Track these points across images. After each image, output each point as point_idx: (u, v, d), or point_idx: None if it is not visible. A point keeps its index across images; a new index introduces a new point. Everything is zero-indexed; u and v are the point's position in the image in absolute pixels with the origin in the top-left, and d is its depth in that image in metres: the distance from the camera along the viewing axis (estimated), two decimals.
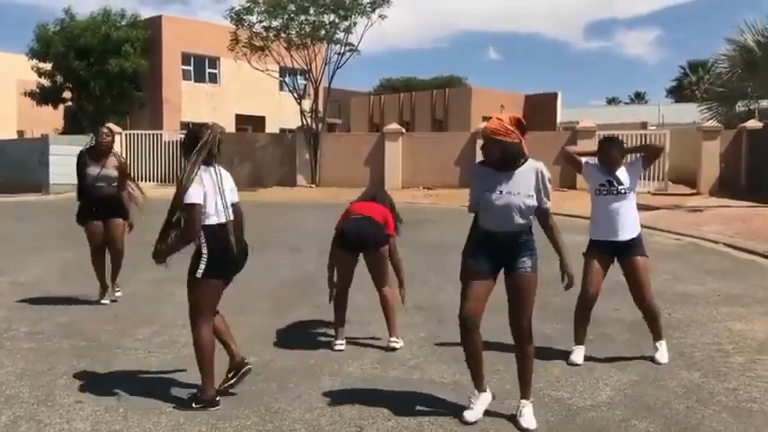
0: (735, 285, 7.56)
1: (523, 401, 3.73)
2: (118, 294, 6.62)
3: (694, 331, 5.58)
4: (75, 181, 6.58)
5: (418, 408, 3.89)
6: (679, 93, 57.24)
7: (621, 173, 4.79)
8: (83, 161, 6.48)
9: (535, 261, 3.72)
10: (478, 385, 3.77)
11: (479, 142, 19.89)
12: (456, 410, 3.77)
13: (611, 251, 4.76)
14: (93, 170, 6.42)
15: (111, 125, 6.36)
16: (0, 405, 3.90)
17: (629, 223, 4.74)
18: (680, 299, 6.73)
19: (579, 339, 4.84)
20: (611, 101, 65.58)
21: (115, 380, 4.32)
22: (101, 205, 6.45)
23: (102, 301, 6.47)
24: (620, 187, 4.74)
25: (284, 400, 3.99)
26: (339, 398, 4.04)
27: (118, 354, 4.91)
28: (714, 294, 7.06)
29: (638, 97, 65.95)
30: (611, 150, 4.79)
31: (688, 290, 7.21)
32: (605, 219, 4.74)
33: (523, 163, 3.66)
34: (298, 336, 5.41)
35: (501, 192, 3.62)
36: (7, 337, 5.26)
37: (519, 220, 3.64)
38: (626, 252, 4.73)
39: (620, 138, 4.99)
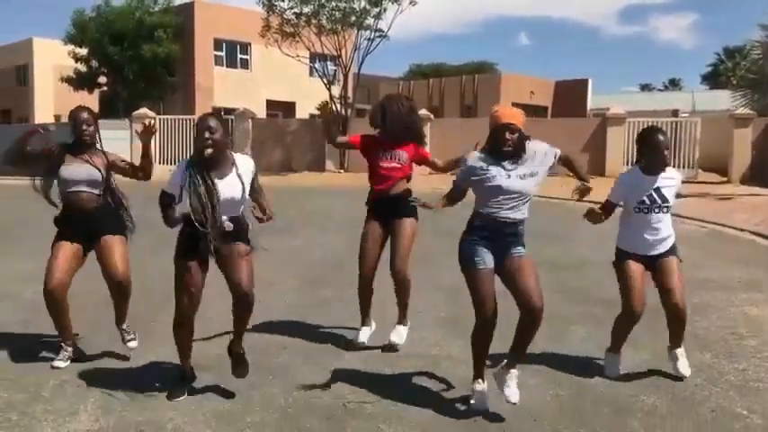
0: (756, 272, 7.61)
1: (512, 371, 3.69)
2: (132, 344, 4.58)
3: (710, 315, 5.69)
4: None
5: (437, 380, 4.12)
6: (714, 79, 56.19)
7: (666, 183, 4.15)
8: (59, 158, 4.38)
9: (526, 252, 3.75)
10: (482, 374, 3.77)
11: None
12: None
13: (643, 257, 4.21)
14: (69, 170, 4.34)
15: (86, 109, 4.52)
16: (47, 370, 4.20)
17: (665, 236, 4.20)
18: (700, 284, 6.80)
19: (615, 348, 4.35)
20: (645, 87, 64.66)
21: (153, 348, 4.60)
22: (81, 220, 4.36)
23: (56, 364, 4.27)
24: (663, 205, 4.14)
25: (309, 372, 4.24)
26: (361, 370, 4.29)
27: (153, 326, 5.18)
28: (734, 281, 7.12)
29: (673, 84, 64.89)
30: (656, 137, 4.09)
31: (709, 276, 7.28)
32: (639, 235, 4.18)
33: (523, 152, 3.71)
34: (323, 313, 5.65)
35: (512, 175, 3.66)
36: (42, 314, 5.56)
37: (523, 211, 3.72)
38: (658, 256, 4.20)
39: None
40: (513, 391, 3.63)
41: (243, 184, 3.78)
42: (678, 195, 4.27)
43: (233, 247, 3.79)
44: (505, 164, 3.68)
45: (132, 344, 4.59)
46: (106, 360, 4.39)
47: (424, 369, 4.32)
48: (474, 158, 3.75)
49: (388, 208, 4.74)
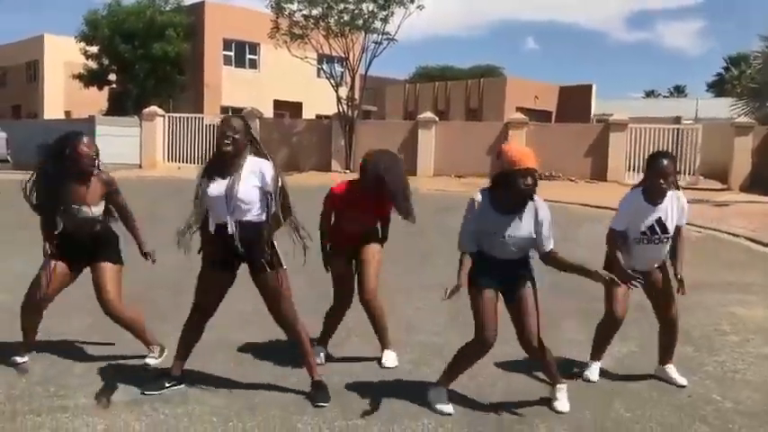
0: (748, 275, 7.92)
1: (559, 386, 3.86)
2: (151, 361, 4.41)
3: (698, 314, 5.99)
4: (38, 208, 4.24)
5: (436, 363, 4.45)
6: (720, 87, 56.39)
7: (669, 211, 4.10)
8: (56, 185, 4.17)
9: (533, 279, 3.80)
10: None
11: (512, 133, 20.25)
12: (469, 370, 4.30)
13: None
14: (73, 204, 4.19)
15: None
16: (78, 353, 4.54)
17: (663, 257, 4.28)
18: (692, 286, 6.87)
19: (597, 355, 4.44)
20: (650, 94, 64.90)
21: (174, 331, 4.92)
22: (77, 242, 4.26)
23: (20, 360, 4.24)
24: (663, 236, 4.12)
25: (325, 357, 4.58)
26: (370, 353, 4.64)
27: (171, 312, 5.51)
28: (725, 283, 7.43)
29: (678, 91, 65.16)
30: (662, 163, 4.00)
31: (702, 278, 7.56)
32: (637, 259, 4.18)
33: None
34: (329, 305, 5.96)
35: (507, 235, 3.63)
36: (71, 297, 5.89)
37: (522, 252, 3.75)
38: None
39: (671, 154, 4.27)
40: (560, 403, 3.81)
41: (239, 185, 3.69)
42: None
43: (265, 277, 3.84)
44: (501, 219, 3.63)
45: (152, 361, 4.40)
46: (130, 348, 4.61)
47: (426, 354, 4.66)
48: (478, 204, 3.67)
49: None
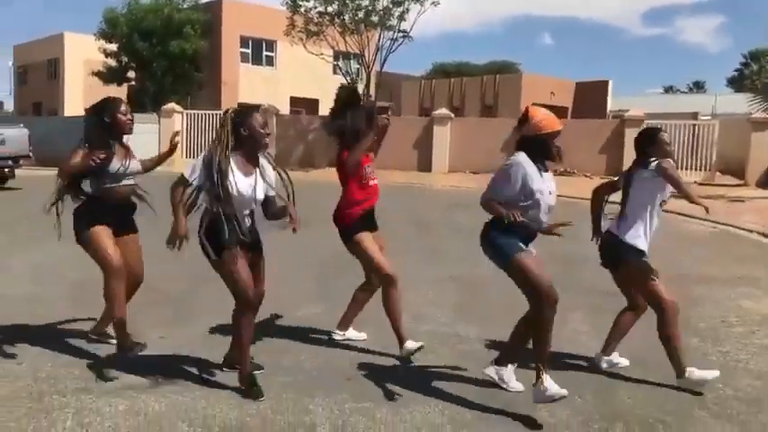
0: (758, 270, 7.96)
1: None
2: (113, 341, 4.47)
3: (706, 306, 6.08)
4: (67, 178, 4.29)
5: (443, 351, 4.61)
6: (740, 83, 55.78)
7: None
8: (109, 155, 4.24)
9: None
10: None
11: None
12: (475, 357, 4.43)
13: None
14: (116, 163, 4.27)
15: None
16: (101, 339, 4.70)
17: None
18: (702, 279, 7.18)
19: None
20: (669, 89, 64.37)
21: (188, 323, 5.10)
22: (115, 213, 4.34)
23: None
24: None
25: (330, 343, 4.77)
26: (379, 341, 4.77)
27: (188, 303, 5.70)
28: (735, 277, 7.48)
29: (697, 86, 64.57)
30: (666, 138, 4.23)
31: (712, 272, 7.65)
32: (650, 234, 4.21)
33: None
34: (340, 297, 6.10)
35: (550, 192, 3.75)
36: (92, 287, 6.09)
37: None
38: None
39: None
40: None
41: (267, 184, 3.90)
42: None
43: (261, 256, 4.00)
44: (543, 177, 3.71)
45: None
46: (148, 337, 4.76)
47: (433, 343, 4.79)
48: (524, 161, 3.65)
49: (372, 219, 4.90)
